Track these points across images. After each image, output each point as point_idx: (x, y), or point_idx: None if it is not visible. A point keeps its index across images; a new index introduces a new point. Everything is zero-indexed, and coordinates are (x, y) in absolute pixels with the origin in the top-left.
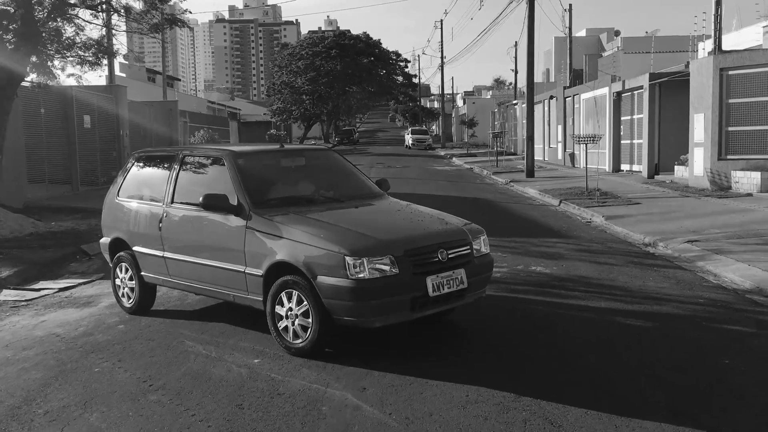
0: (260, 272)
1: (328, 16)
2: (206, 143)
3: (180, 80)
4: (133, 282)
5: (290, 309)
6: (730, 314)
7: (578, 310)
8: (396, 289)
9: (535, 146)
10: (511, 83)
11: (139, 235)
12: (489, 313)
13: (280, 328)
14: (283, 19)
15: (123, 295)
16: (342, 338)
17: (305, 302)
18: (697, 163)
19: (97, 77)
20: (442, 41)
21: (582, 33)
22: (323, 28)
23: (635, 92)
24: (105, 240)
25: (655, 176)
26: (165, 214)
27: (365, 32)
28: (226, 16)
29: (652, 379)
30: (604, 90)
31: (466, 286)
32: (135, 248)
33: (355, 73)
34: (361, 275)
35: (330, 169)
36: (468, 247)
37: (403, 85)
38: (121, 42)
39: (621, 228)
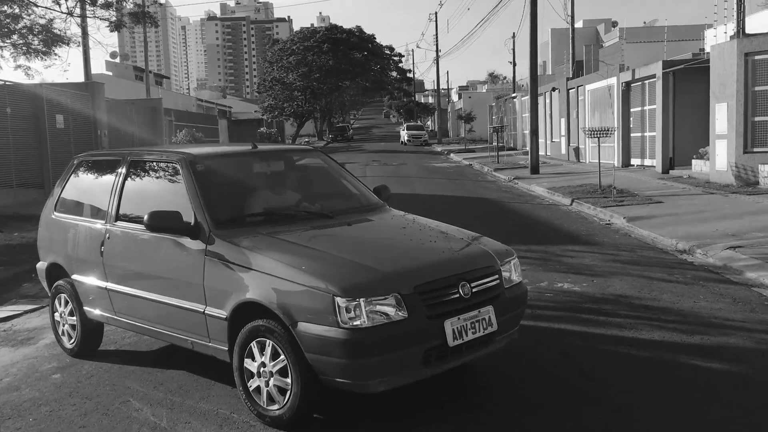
0: (224, 314)
1: (320, 13)
2: (188, 143)
3: (169, 78)
4: (75, 318)
5: (263, 364)
6: None
7: (628, 346)
8: (405, 339)
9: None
10: (506, 77)
11: (78, 261)
12: (515, 350)
13: (251, 389)
14: (275, 16)
15: (63, 333)
16: (327, 393)
17: (282, 356)
18: (720, 157)
19: (61, 72)
20: (437, 33)
21: (579, 24)
22: (315, 25)
23: (646, 81)
24: (41, 265)
25: (670, 171)
26: (107, 235)
27: (358, 26)
28: (218, 13)
29: None
30: (612, 80)
31: (496, 329)
32: (74, 277)
33: (348, 68)
34: (356, 322)
35: (316, 175)
36: (496, 276)
37: (398, 80)
38: (91, 35)
39: (647, 231)
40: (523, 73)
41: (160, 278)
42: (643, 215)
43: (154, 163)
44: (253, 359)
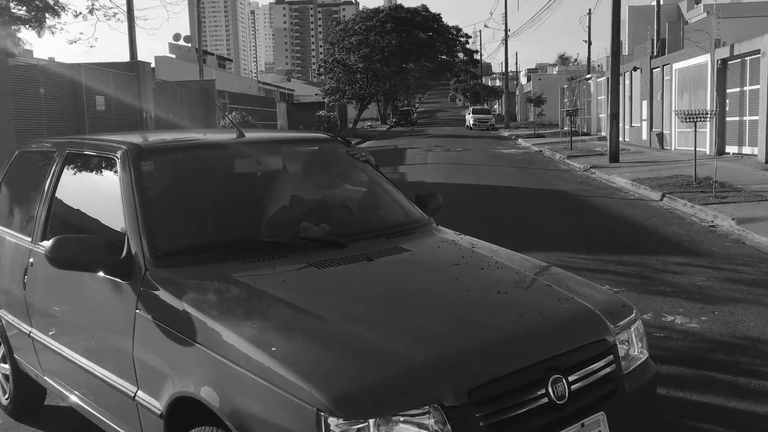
0: (159, 408)
1: None
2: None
3: (231, 61)
4: (7, 366)
5: None
6: None
7: None
8: None
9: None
10: (576, 60)
11: (2, 291)
12: None
13: None
14: None
15: None
16: None
17: None
18: None
19: (87, 49)
20: (506, 11)
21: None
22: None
23: (747, 58)
24: None
25: None
26: (31, 260)
27: (423, 5)
28: None
29: None
30: (705, 57)
31: None
32: (1, 312)
33: (412, 48)
34: None
35: (329, 177)
36: (611, 357)
37: (464, 62)
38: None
39: (766, 238)
40: (597, 54)
41: (88, 333)
42: (756, 216)
43: (94, 158)
44: None
